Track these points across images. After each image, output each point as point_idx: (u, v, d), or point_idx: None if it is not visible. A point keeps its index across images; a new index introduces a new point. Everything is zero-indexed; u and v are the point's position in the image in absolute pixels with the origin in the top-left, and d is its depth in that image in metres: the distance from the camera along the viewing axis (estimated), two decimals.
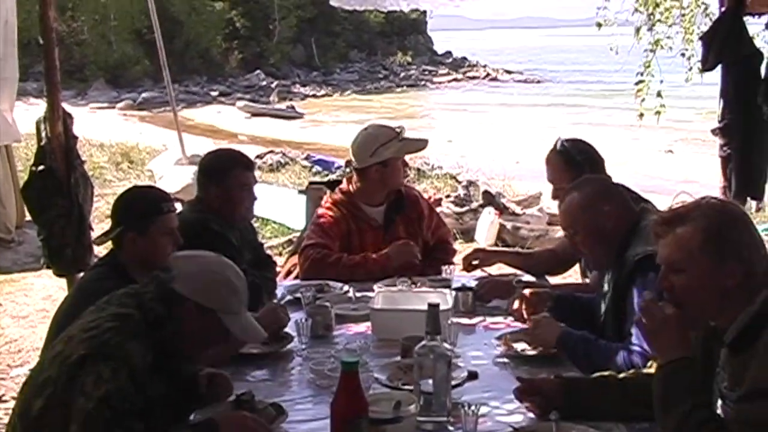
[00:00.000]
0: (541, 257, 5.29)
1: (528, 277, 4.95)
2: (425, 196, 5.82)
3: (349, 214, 5.29)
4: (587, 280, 4.92)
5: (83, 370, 2.86)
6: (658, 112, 9.71)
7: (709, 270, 2.75)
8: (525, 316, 4.17)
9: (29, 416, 2.96)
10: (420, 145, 5.45)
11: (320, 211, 5.36)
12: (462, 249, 9.42)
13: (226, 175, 4.61)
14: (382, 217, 5.33)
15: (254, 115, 35.13)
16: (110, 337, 2.92)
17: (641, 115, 9.86)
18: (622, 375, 3.28)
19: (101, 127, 20.10)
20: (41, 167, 5.98)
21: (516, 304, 4.22)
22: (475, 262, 5.09)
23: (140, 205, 3.84)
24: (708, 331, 2.94)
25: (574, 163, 4.61)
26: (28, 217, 8.87)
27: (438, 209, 6.75)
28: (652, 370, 3.18)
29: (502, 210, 10.93)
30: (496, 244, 10.35)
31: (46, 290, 8.51)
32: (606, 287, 3.89)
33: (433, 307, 3.20)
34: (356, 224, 5.28)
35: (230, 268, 3.21)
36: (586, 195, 3.88)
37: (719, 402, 2.83)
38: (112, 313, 3.04)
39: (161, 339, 3.03)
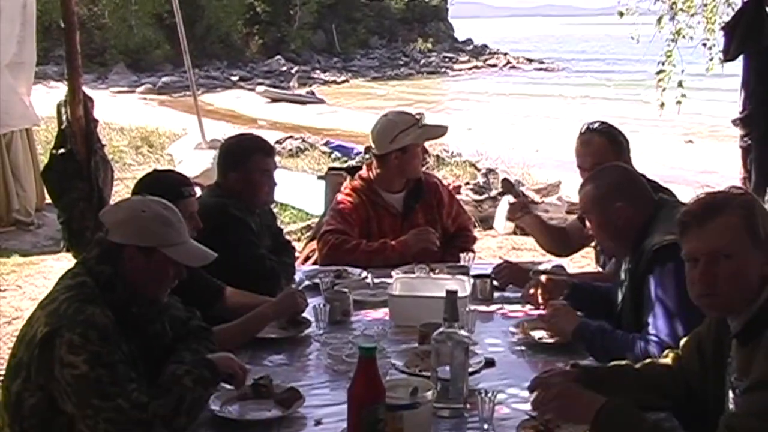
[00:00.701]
0: (553, 232, 5.27)
1: (545, 266, 4.94)
2: (444, 183, 5.79)
3: (369, 200, 5.29)
4: (600, 269, 4.91)
5: (52, 347, 2.90)
6: (678, 102, 9.67)
7: (753, 255, 2.77)
8: (541, 301, 4.18)
9: (11, 403, 3.00)
10: (439, 131, 5.45)
11: (339, 197, 5.36)
12: (481, 237, 9.43)
13: (246, 160, 4.62)
14: (401, 204, 5.32)
15: (274, 100, 35.12)
16: (68, 307, 2.96)
17: (662, 105, 9.82)
18: (638, 365, 3.27)
19: (121, 111, 20.13)
20: (62, 150, 6.00)
21: (532, 290, 4.23)
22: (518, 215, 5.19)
23: (160, 189, 3.84)
24: (719, 323, 2.94)
25: (617, 143, 4.59)
26: (48, 201, 8.91)
27: (457, 197, 6.73)
28: (668, 360, 3.19)
29: (522, 198, 10.91)
30: (514, 233, 10.34)
31: None
32: (623, 276, 3.89)
33: (452, 293, 3.20)
34: (375, 211, 5.28)
35: (156, 203, 3.26)
36: (599, 188, 3.86)
37: (730, 394, 2.83)
38: (65, 285, 3.10)
39: (117, 298, 3.08)
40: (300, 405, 3.26)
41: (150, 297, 3.22)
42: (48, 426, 2.96)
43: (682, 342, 3.20)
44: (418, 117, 5.23)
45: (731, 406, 2.81)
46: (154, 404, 2.88)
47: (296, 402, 3.26)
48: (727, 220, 2.79)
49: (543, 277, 4.31)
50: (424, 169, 5.73)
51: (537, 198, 11.11)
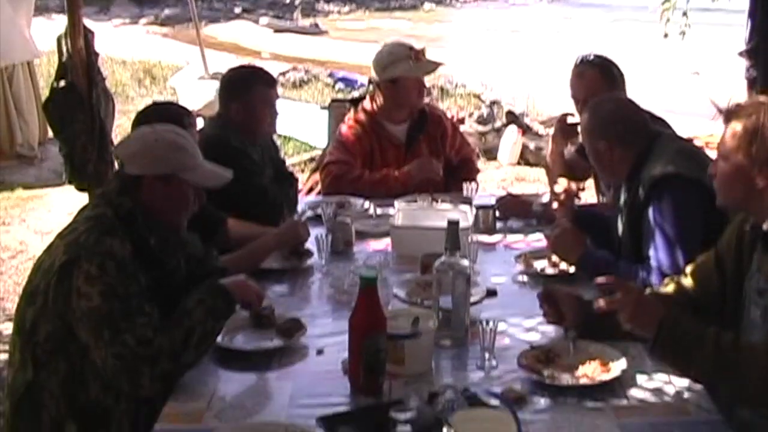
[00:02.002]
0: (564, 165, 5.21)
1: (546, 197, 4.91)
2: (448, 115, 5.75)
3: (372, 131, 5.26)
4: (603, 199, 4.90)
5: (70, 276, 2.92)
6: (683, 32, 9.58)
7: (742, 164, 2.80)
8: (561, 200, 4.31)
9: (24, 330, 3.02)
10: (430, 67, 5.36)
11: (343, 128, 5.34)
12: (484, 168, 9.41)
13: (248, 91, 4.59)
14: (404, 135, 5.29)
15: (277, 32, 34.80)
16: (87, 237, 2.98)
17: (666, 35, 9.73)
18: None
19: (124, 43, 19.97)
20: (62, 83, 5.96)
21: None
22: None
23: (160, 121, 3.83)
24: (738, 236, 2.96)
25: (611, 75, 4.59)
26: (51, 134, 8.89)
27: (461, 128, 6.69)
28: (668, 289, 3.19)
29: (525, 130, 10.85)
30: (518, 163, 10.33)
31: (69, 206, 8.55)
32: (622, 204, 3.88)
33: (453, 223, 3.20)
34: (378, 142, 5.25)
35: (167, 130, 3.28)
36: (590, 122, 3.89)
37: (752, 308, 2.85)
38: (85, 216, 3.12)
39: (137, 230, 3.09)
40: (302, 335, 3.28)
41: (173, 224, 3.26)
42: (62, 352, 2.98)
43: (695, 264, 3.19)
44: (412, 50, 5.16)
45: (754, 317, 2.85)
46: (160, 339, 2.89)
47: (298, 332, 3.28)
48: (735, 125, 2.83)
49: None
50: (427, 100, 5.68)
51: (541, 130, 11.05)
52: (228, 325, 3.22)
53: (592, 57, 4.68)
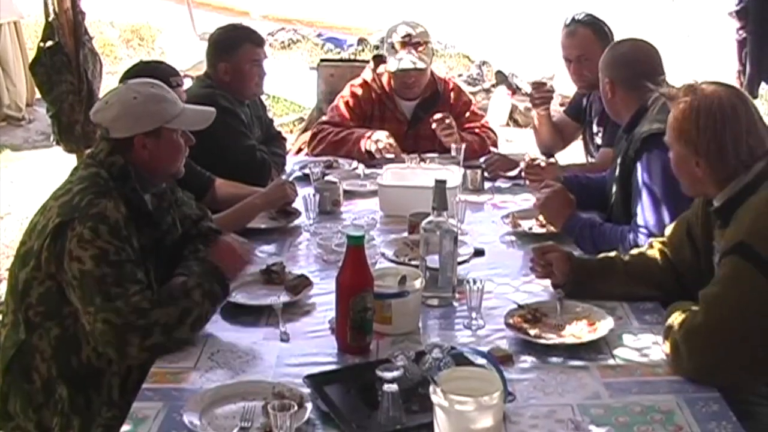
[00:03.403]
0: (552, 126, 5.19)
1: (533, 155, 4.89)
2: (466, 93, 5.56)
3: (378, 99, 5.20)
4: (591, 160, 4.89)
5: (64, 238, 2.91)
6: None
7: (681, 153, 2.89)
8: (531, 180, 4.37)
9: (17, 291, 3.01)
10: (407, 74, 5.09)
11: (351, 86, 5.29)
12: None
13: (235, 50, 4.57)
14: (411, 111, 5.22)
15: None
16: (81, 199, 2.96)
17: None
18: (626, 256, 3.29)
19: (112, 4, 19.84)
20: (49, 43, 5.91)
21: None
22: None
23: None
24: (705, 208, 3.00)
25: (603, 33, 4.60)
26: (39, 96, 8.83)
27: None
28: (655, 251, 3.21)
29: (515, 90, 10.83)
30: (507, 125, 10.30)
31: (58, 167, 8.51)
32: (617, 168, 3.89)
33: (440, 182, 3.19)
34: (381, 112, 5.20)
35: (142, 84, 3.24)
36: (605, 58, 3.94)
37: None
38: (79, 177, 3.10)
39: (131, 188, 3.08)
40: (310, 290, 3.30)
41: (171, 173, 3.26)
42: (55, 315, 2.99)
43: (669, 230, 3.21)
44: (406, 40, 5.03)
45: None
46: (158, 311, 2.88)
47: (306, 288, 3.30)
48: (676, 112, 2.88)
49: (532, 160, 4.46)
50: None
51: (530, 90, 11.03)
52: (239, 281, 3.28)
53: (582, 16, 4.66)
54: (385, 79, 5.19)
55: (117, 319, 2.84)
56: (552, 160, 4.61)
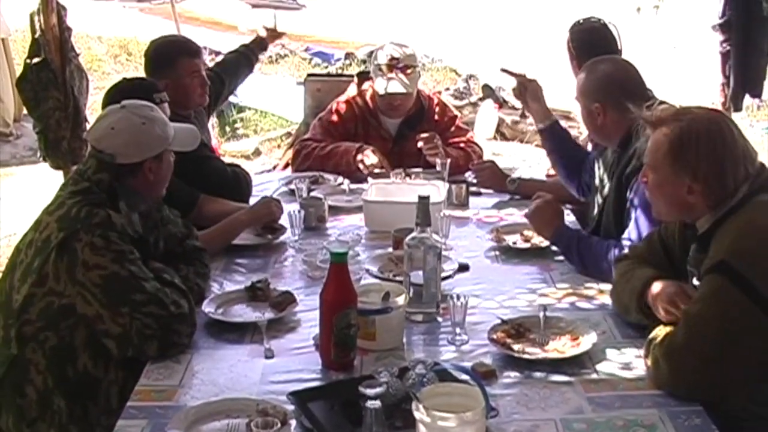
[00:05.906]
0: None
1: (519, 174, 4.88)
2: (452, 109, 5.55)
3: (362, 116, 5.18)
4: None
5: (73, 251, 2.92)
6: (656, 6, 9.58)
7: (670, 178, 2.84)
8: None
9: (10, 307, 3.01)
10: (396, 97, 5.08)
11: (336, 103, 5.28)
12: None
13: (173, 65, 4.45)
14: (396, 129, 5.20)
15: (255, 6, 34.67)
16: (78, 211, 2.99)
17: (639, 9, 9.71)
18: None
19: (100, 19, 19.82)
20: (36, 59, 5.92)
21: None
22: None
23: (131, 98, 3.80)
24: (684, 230, 3.01)
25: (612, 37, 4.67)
26: (26, 112, 8.83)
27: None
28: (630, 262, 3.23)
29: (502, 104, 10.85)
30: (494, 138, 10.32)
31: (44, 183, 8.49)
32: (604, 177, 3.91)
33: (424, 198, 3.21)
34: (365, 129, 5.18)
35: (143, 107, 3.26)
36: (586, 81, 3.82)
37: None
38: (70, 191, 3.11)
39: (119, 206, 3.10)
40: (293, 308, 3.30)
41: (162, 194, 3.33)
42: (52, 328, 2.99)
43: (643, 245, 3.24)
44: (393, 64, 5.01)
45: None
46: (189, 299, 3.05)
47: (290, 305, 3.30)
48: (660, 134, 2.84)
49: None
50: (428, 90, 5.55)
51: (518, 103, 11.04)
52: (224, 298, 3.33)
53: (594, 19, 4.74)
54: (368, 96, 5.18)
55: (162, 311, 2.92)
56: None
